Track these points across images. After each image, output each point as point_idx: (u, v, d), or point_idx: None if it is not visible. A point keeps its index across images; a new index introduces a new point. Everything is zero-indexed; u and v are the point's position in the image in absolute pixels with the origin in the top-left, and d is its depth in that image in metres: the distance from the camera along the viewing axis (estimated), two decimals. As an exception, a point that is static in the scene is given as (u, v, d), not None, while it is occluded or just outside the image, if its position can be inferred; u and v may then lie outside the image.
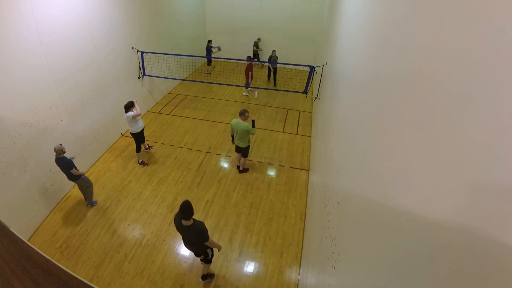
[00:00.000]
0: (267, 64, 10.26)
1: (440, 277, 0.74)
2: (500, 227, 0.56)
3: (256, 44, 11.70)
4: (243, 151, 5.84)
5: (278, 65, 10.31)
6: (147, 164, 6.28)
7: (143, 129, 6.03)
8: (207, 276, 4.10)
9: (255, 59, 11.55)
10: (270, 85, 10.62)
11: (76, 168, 4.66)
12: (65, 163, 4.50)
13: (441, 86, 0.85)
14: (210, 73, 11.45)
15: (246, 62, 8.94)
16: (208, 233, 3.36)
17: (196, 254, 3.83)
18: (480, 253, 0.60)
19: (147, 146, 6.77)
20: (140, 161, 6.28)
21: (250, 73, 8.81)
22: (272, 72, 10.38)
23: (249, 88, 9.34)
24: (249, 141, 5.70)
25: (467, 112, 0.71)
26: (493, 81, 0.62)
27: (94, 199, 5.23)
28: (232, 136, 5.73)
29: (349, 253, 1.68)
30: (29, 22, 4.22)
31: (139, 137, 6.01)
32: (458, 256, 0.68)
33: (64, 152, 4.50)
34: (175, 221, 3.37)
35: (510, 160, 0.55)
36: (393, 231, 1.11)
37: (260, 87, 9.08)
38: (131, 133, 5.96)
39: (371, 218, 1.39)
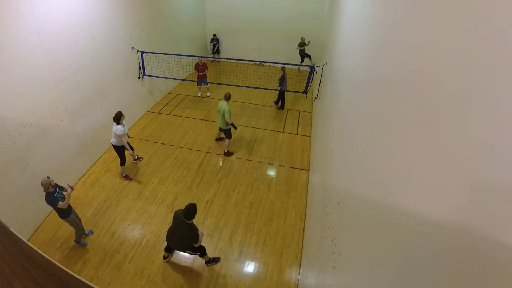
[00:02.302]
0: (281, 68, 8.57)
1: (440, 277, 0.74)
2: (500, 227, 0.56)
3: (302, 45, 10.50)
4: (224, 132, 6.36)
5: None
6: (131, 179, 5.86)
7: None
8: (210, 261, 4.27)
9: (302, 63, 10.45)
10: (270, 85, 10.47)
11: (57, 202, 3.92)
12: (49, 201, 3.85)
13: (441, 86, 0.85)
14: (219, 62, 11.99)
15: (246, 62, 8.88)
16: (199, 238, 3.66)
17: (175, 249, 4.15)
18: (480, 253, 0.60)
19: (136, 157, 6.33)
20: (124, 174, 5.86)
21: (205, 71, 8.83)
22: (280, 93, 8.56)
23: (207, 85, 9.37)
24: (226, 124, 6.14)
25: (467, 112, 0.71)
26: (493, 81, 0.62)
27: (82, 240, 4.59)
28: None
29: (349, 253, 1.68)
30: (29, 22, 4.21)
31: (121, 151, 5.60)
32: (458, 256, 0.68)
33: (53, 186, 3.83)
34: (176, 212, 3.68)
35: (510, 160, 0.55)
36: (393, 231, 1.11)
37: (260, 87, 9.06)
38: (112, 145, 5.52)
39: (371, 218, 1.39)
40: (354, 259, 1.57)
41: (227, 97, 6.00)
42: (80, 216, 5.03)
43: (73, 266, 4.28)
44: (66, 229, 4.81)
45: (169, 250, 4.28)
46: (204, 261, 4.28)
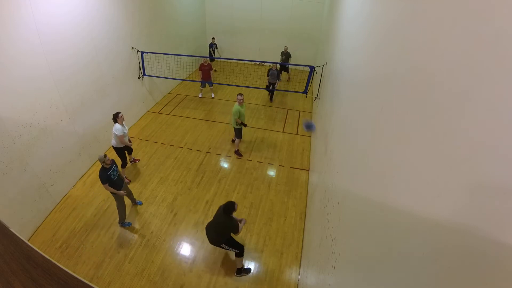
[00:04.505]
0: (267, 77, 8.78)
1: (440, 277, 0.74)
2: (500, 227, 0.56)
3: (288, 54, 10.12)
4: (235, 132, 6.48)
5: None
6: (129, 181, 5.80)
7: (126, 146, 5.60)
8: (241, 271, 4.20)
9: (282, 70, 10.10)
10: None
11: (111, 185, 4.35)
12: (101, 177, 4.23)
13: (441, 86, 0.85)
14: (216, 70, 11.51)
15: (246, 62, 8.85)
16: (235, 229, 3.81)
17: (212, 243, 4.06)
18: (480, 253, 0.60)
19: (133, 159, 6.31)
20: (124, 176, 5.65)
21: (211, 72, 8.79)
22: (271, 88, 9.03)
23: (211, 86, 9.35)
24: (238, 124, 6.20)
25: (467, 112, 0.71)
26: (493, 81, 0.62)
27: (126, 220, 4.89)
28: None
29: (349, 253, 1.68)
30: (29, 22, 4.21)
31: (121, 153, 5.60)
32: (458, 256, 0.68)
33: (107, 164, 4.22)
34: (219, 207, 3.94)
35: (510, 160, 0.55)
36: (393, 231, 1.11)
37: (261, 87, 9.07)
38: (113, 147, 5.49)
39: (371, 218, 1.39)
40: (354, 259, 1.57)
41: (238, 99, 5.99)
42: (79, 216, 5.06)
43: (73, 266, 4.28)
44: (66, 229, 4.81)
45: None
46: (236, 268, 4.19)
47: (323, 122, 4.73)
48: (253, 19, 11.54)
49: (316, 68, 7.14)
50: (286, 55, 10.08)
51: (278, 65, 9.26)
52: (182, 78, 9.86)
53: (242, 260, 4.15)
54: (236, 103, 6.03)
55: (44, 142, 4.80)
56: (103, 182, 4.26)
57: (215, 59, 11.38)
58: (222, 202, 5.39)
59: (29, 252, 1.09)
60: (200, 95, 9.51)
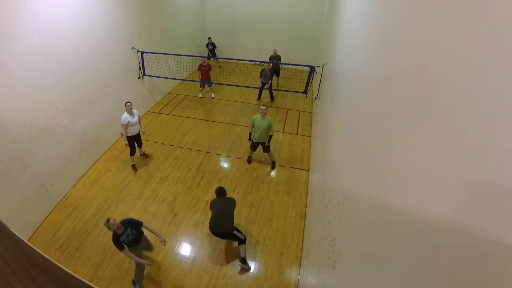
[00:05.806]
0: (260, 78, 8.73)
1: (440, 277, 0.74)
2: (500, 227, 0.56)
3: (278, 58, 9.66)
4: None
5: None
6: (137, 170, 6.08)
7: (136, 135, 5.80)
8: (246, 261, 4.25)
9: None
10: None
11: (122, 248, 3.50)
12: (114, 243, 3.48)
13: (441, 85, 0.85)
14: (221, 67, 11.76)
15: (246, 62, 8.83)
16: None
17: (224, 234, 4.14)
18: (480, 253, 0.60)
19: (143, 153, 6.46)
20: (132, 163, 6.12)
21: (210, 72, 8.77)
22: (267, 87, 8.89)
23: (211, 87, 9.33)
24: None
25: (467, 112, 0.71)
26: (493, 81, 0.62)
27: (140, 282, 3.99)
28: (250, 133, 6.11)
29: (349, 253, 1.68)
30: (29, 22, 4.21)
31: (130, 141, 5.74)
32: (458, 256, 0.68)
33: (117, 229, 3.43)
34: (213, 201, 4.24)
35: (510, 160, 0.55)
36: (393, 231, 1.11)
37: (259, 87, 9.07)
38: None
39: (371, 218, 1.39)
40: (354, 259, 1.57)
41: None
42: (79, 216, 5.05)
43: (73, 266, 4.27)
44: (66, 229, 4.81)
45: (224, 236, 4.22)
46: (240, 257, 4.24)
47: (323, 122, 4.73)
48: (253, 19, 11.54)
49: (316, 68, 7.14)
50: (276, 59, 9.69)
51: (271, 66, 9.14)
52: (182, 78, 9.86)
53: (245, 248, 4.24)
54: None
55: (44, 142, 4.80)
56: (119, 249, 3.48)
57: (215, 59, 11.40)
58: (222, 202, 5.41)
59: (29, 252, 1.09)
60: (200, 95, 9.51)
